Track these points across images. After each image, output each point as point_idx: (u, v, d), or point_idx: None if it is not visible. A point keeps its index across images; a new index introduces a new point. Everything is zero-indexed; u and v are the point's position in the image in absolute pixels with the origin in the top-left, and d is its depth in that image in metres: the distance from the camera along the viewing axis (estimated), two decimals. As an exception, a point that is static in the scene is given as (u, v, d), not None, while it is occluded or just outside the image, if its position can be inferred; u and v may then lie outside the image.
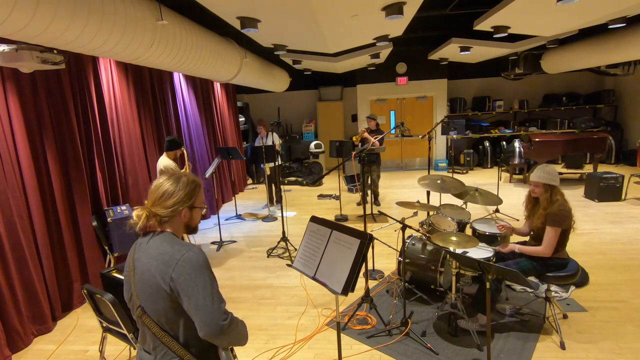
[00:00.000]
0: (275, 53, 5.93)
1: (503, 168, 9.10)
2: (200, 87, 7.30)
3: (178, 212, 1.48)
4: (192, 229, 1.59)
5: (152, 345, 1.47)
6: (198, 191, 1.54)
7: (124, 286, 1.55)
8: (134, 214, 1.45)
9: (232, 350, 1.58)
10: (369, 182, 6.64)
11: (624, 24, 4.93)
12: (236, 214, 7.09)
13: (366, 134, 6.32)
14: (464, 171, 9.79)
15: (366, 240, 2.02)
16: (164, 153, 4.62)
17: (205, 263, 1.40)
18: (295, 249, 5.13)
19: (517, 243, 3.21)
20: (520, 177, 8.54)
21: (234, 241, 5.75)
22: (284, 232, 5.11)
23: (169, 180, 1.50)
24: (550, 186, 2.99)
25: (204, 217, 6.93)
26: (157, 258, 1.40)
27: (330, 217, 6.28)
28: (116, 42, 3.15)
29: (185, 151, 5.06)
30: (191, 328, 1.40)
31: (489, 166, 10.18)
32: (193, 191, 1.52)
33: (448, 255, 3.38)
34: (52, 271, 3.69)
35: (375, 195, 6.93)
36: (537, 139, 7.59)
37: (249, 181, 10.12)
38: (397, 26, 4.70)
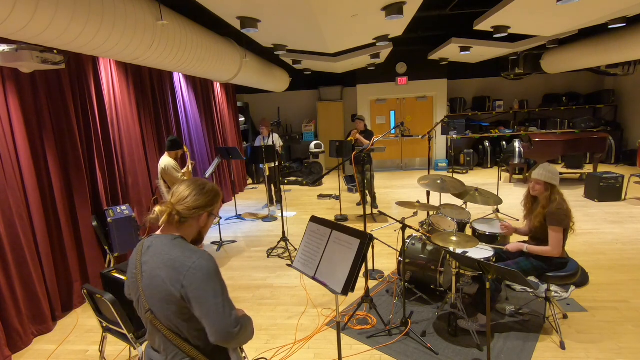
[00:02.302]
0: (275, 53, 5.93)
1: (503, 168, 9.10)
2: (200, 87, 7.30)
3: (199, 215, 1.51)
4: (200, 239, 1.59)
5: (162, 346, 1.47)
6: (218, 199, 1.59)
7: (128, 287, 1.54)
8: (157, 209, 1.44)
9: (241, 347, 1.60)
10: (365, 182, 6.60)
11: (624, 24, 4.93)
12: (236, 214, 7.09)
13: (358, 135, 6.33)
14: (464, 171, 9.79)
15: (366, 240, 2.02)
16: (166, 152, 4.67)
17: (215, 270, 1.40)
18: (295, 249, 5.13)
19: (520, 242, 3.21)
20: (520, 177, 8.54)
21: (234, 241, 5.75)
22: (284, 232, 5.11)
23: (195, 184, 1.54)
24: (550, 185, 3.00)
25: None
26: (168, 264, 1.39)
27: (330, 217, 6.28)
28: (116, 42, 3.15)
29: (187, 151, 5.08)
30: (201, 331, 1.40)
31: (489, 166, 10.18)
32: (214, 198, 1.56)
33: (448, 255, 3.37)
34: (52, 271, 3.69)
35: (373, 197, 6.72)
36: (537, 139, 7.58)
37: (249, 181, 10.12)
38: (397, 26, 4.70)
